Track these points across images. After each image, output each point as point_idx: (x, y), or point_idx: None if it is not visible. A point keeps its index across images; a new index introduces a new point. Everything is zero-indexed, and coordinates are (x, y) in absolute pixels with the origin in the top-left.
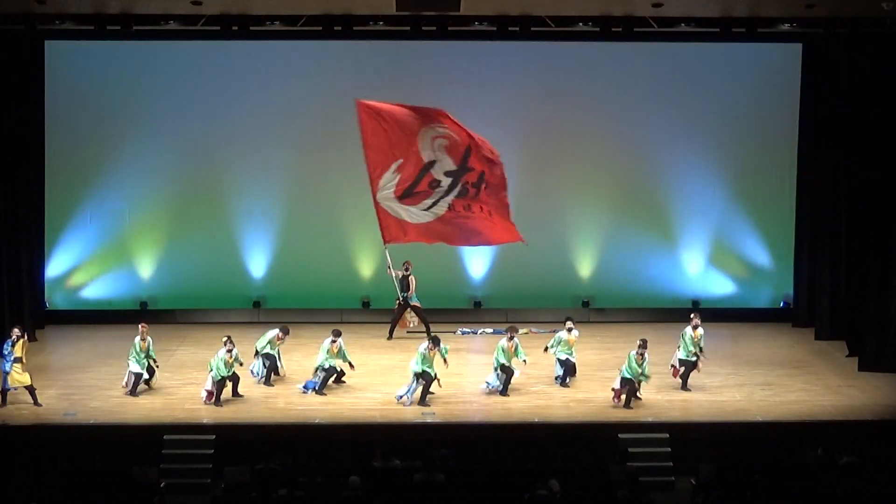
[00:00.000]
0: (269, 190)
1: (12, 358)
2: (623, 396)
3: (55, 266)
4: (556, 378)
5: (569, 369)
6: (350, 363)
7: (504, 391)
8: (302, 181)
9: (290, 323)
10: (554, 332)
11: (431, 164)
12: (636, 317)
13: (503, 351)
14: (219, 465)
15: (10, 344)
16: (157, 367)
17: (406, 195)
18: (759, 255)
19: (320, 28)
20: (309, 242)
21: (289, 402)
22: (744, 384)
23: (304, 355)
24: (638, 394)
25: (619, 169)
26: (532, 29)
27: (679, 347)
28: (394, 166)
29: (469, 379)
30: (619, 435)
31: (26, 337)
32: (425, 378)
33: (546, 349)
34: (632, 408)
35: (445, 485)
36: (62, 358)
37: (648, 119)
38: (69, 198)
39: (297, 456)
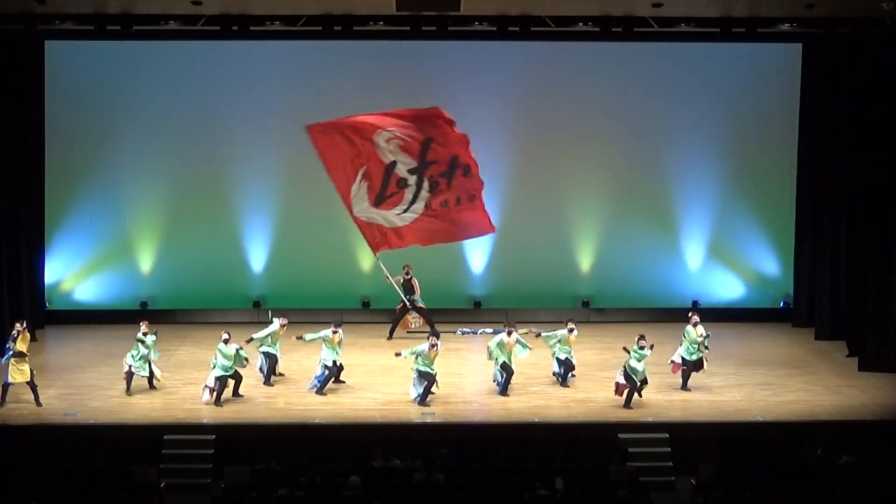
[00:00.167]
0: (269, 190)
1: (11, 352)
2: (624, 393)
3: (55, 266)
4: (553, 374)
5: (568, 368)
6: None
7: (504, 391)
8: (302, 181)
9: (291, 323)
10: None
11: (393, 164)
12: (636, 317)
13: (503, 346)
14: (219, 465)
15: (11, 339)
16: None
17: (380, 201)
18: (759, 254)
19: (320, 28)
20: (309, 242)
21: (289, 402)
22: (744, 384)
23: (304, 355)
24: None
25: (618, 169)
26: (532, 29)
27: (681, 345)
28: (360, 174)
29: (469, 379)
30: (619, 435)
31: (25, 330)
32: (427, 378)
33: (538, 335)
34: (632, 408)
35: (445, 485)
36: (62, 358)
37: (648, 119)
38: (69, 198)
39: (297, 456)
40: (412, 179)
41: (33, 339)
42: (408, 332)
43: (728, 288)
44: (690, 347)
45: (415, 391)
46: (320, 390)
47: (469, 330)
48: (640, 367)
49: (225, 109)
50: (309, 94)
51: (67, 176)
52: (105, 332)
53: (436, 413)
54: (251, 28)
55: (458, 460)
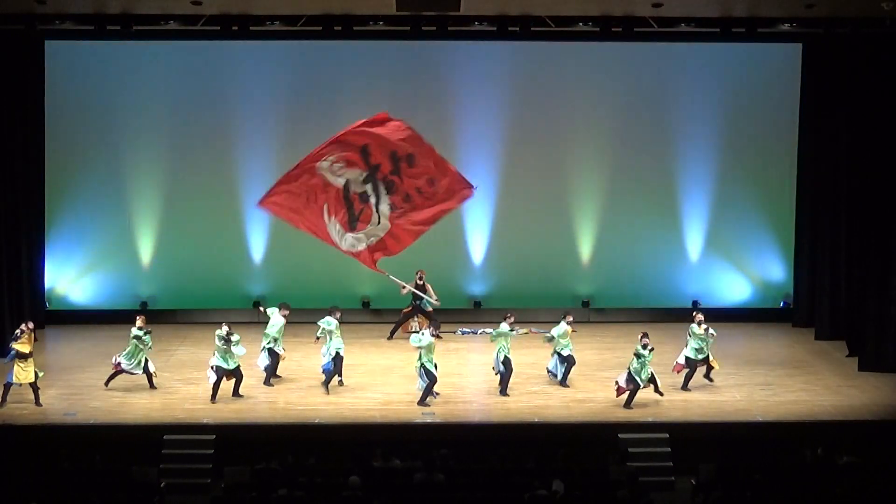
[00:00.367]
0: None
1: (14, 352)
2: (626, 394)
3: (55, 266)
4: (549, 372)
5: (571, 364)
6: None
7: (504, 391)
8: None
9: (291, 323)
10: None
11: (347, 184)
12: (636, 317)
13: (506, 337)
14: (219, 465)
15: (14, 339)
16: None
17: (354, 223)
18: (760, 254)
19: (320, 28)
20: (309, 242)
21: (289, 402)
22: (744, 384)
23: (304, 355)
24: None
25: (618, 169)
26: (532, 29)
27: (686, 346)
28: (325, 213)
29: (469, 379)
30: (619, 435)
31: (28, 330)
32: (429, 377)
33: (551, 339)
34: (632, 408)
35: (445, 485)
36: (62, 358)
37: (648, 119)
38: (69, 197)
39: (297, 456)
40: (369, 188)
41: (33, 339)
42: (408, 333)
43: (728, 288)
44: (695, 347)
45: (421, 382)
46: (326, 384)
47: (469, 330)
48: (644, 370)
49: (225, 109)
50: (309, 94)
51: (67, 176)
52: (105, 332)
53: (436, 413)
54: (251, 28)
55: (458, 460)
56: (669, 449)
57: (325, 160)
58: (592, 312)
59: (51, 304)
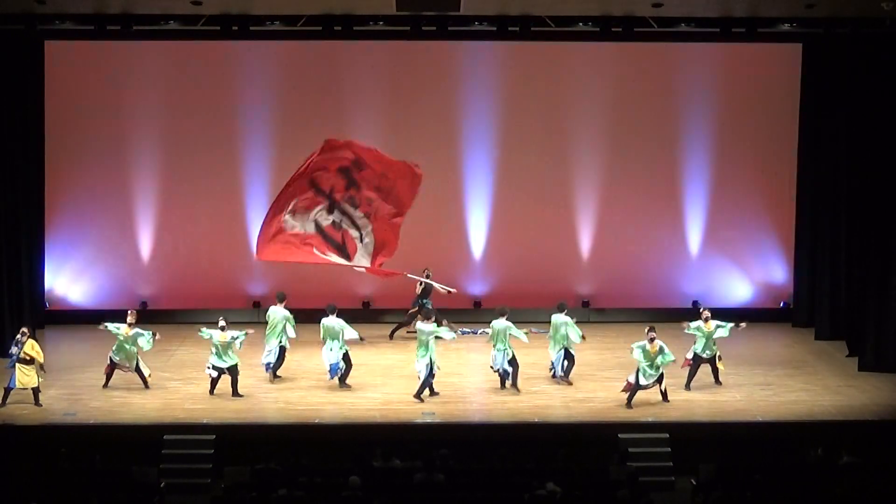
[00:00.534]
0: (269, 190)
1: (16, 357)
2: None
3: (55, 266)
4: (552, 369)
5: (571, 360)
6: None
7: (514, 384)
8: None
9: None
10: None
11: (316, 224)
12: (636, 317)
13: (506, 334)
14: (219, 465)
15: (15, 344)
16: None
17: (344, 253)
18: (759, 254)
19: (320, 28)
20: None
21: (289, 402)
22: (744, 384)
23: (304, 355)
24: (662, 388)
25: (618, 169)
26: (532, 29)
27: (695, 342)
28: (318, 255)
29: (469, 379)
30: (619, 435)
31: (28, 334)
32: (430, 372)
33: (567, 343)
34: (632, 408)
35: (445, 485)
36: (62, 358)
37: (648, 119)
38: (69, 197)
39: (297, 456)
40: (336, 215)
41: (33, 338)
42: (408, 332)
43: (728, 288)
44: (703, 343)
45: (425, 372)
46: (345, 378)
47: (469, 330)
48: (653, 369)
49: (225, 109)
50: (309, 94)
51: (67, 176)
52: (104, 333)
53: (436, 413)
54: (251, 28)
55: (458, 460)
56: (669, 449)
57: (286, 212)
58: (592, 312)
59: (50, 305)
